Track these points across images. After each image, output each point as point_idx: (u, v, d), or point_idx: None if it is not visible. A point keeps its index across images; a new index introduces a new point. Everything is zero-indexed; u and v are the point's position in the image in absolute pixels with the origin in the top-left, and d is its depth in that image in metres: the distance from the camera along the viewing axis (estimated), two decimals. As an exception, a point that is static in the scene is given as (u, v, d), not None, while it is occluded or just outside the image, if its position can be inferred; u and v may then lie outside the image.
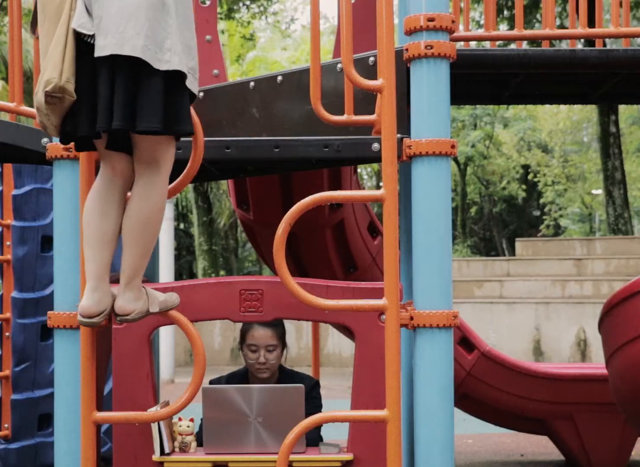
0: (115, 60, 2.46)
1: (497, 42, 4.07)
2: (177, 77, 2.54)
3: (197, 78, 2.65)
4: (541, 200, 29.78)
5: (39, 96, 2.50)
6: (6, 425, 4.84)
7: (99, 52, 2.45)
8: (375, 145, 3.14)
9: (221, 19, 18.46)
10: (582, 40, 11.80)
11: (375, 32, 2.89)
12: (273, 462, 2.88)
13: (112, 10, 2.45)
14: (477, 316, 12.37)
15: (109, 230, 2.65)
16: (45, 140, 3.35)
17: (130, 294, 2.67)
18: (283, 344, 3.73)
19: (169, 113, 2.51)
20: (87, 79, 2.51)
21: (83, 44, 2.50)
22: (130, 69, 2.47)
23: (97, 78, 2.49)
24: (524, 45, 4.18)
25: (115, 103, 2.46)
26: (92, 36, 2.48)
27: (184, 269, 22.60)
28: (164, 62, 2.48)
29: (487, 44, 3.95)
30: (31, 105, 3.64)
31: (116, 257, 2.75)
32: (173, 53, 2.51)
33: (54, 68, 2.46)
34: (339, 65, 3.39)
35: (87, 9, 2.49)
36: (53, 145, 3.17)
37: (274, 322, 3.61)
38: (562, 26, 15.84)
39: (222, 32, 21.77)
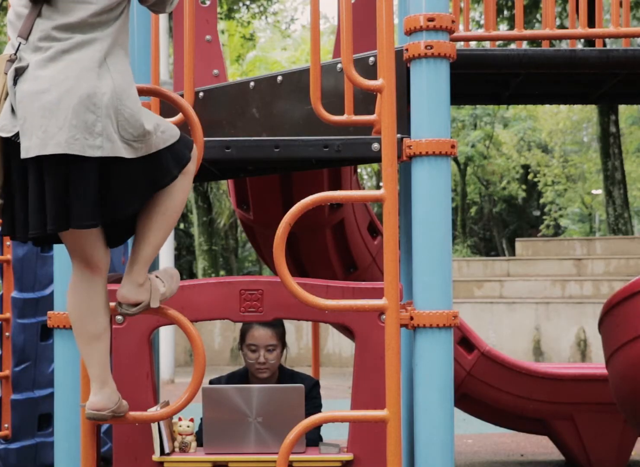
0: (42, 160, 2.43)
1: (497, 42, 4.07)
2: (122, 160, 2.49)
3: (168, 129, 2.61)
4: (541, 200, 29.78)
5: None
6: (6, 425, 4.84)
7: (24, 154, 2.42)
8: (375, 145, 3.14)
9: (221, 19, 18.46)
10: (582, 40, 11.80)
11: (375, 32, 2.89)
12: (273, 462, 2.88)
13: (34, 110, 2.43)
14: (477, 316, 12.37)
15: (99, 328, 2.63)
16: (45, 140, 3.34)
17: (135, 281, 2.65)
18: (283, 344, 3.73)
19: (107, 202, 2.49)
20: (23, 180, 2.49)
21: (12, 144, 2.48)
22: (59, 166, 2.43)
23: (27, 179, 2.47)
24: (524, 45, 4.18)
25: (48, 205, 2.43)
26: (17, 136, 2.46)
27: (184, 269, 22.59)
28: (96, 148, 2.43)
29: (487, 44, 3.95)
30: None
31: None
32: (106, 138, 2.45)
33: None
34: (339, 65, 3.39)
35: (13, 108, 2.48)
36: (53, 145, 3.17)
37: (274, 322, 3.61)
38: (562, 26, 15.84)
39: (222, 32, 21.77)
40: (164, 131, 2.60)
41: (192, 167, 2.69)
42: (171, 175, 2.60)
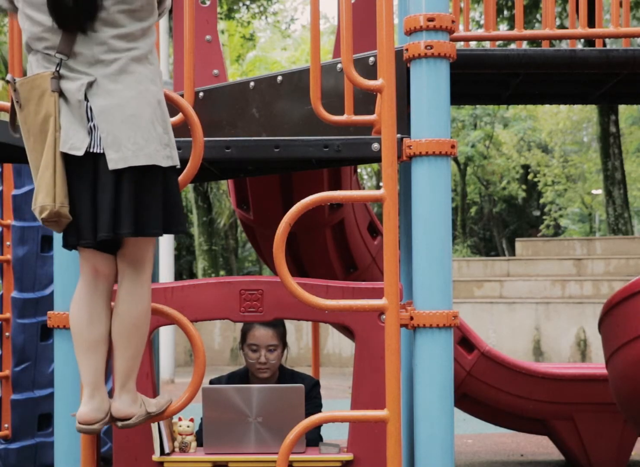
0: (122, 170, 2.50)
1: (497, 42, 4.06)
2: (172, 171, 2.62)
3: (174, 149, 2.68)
4: (541, 200, 29.77)
5: (36, 214, 2.52)
6: (6, 425, 4.84)
7: (113, 165, 2.48)
8: (375, 145, 3.14)
9: (221, 19, 18.45)
10: (582, 40, 11.80)
11: (375, 32, 2.89)
12: (273, 462, 2.88)
13: (118, 123, 2.49)
14: (477, 316, 12.37)
15: (99, 337, 2.64)
16: (45, 140, 3.34)
17: (126, 396, 2.66)
18: (284, 344, 3.73)
19: (166, 213, 2.58)
20: (86, 191, 2.53)
21: (74, 159, 2.50)
22: (136, 175, 2.51)
23: (96, 187, 2.52)
24: (524, 45, 4.18)
25: (123, 211, 2.50)
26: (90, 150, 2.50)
27: (184, 269, 22.59)
28: (166, 158, 2.56)
29: (487, 44, 3.95)
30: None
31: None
32: (172, 148, 2.60)
33: (47, 193, 2.47)
34: (339, 65, 3.39)
35: (81, 121, 2.49)
36: (53, 145, 3.17)
37: (274, 322, 3.61)
38: (562, 26, 15.84)
39: (222, 32, 21.77)
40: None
41: (152, 261, 2.70)
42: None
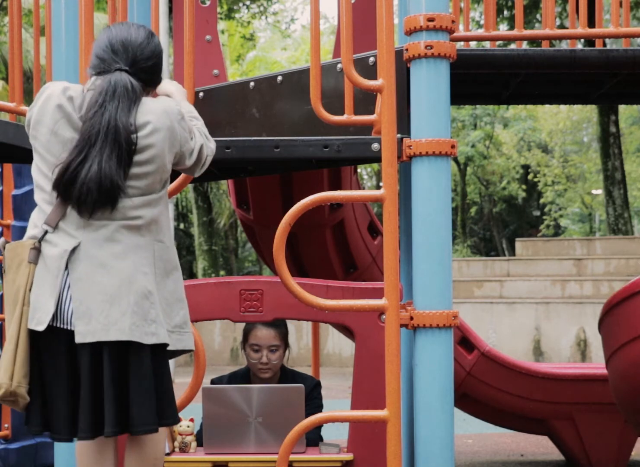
0: (98, 345, 2.37)
1: (497, 42, 4.06)
2: (161, 348, 2.49)
3: (187, 331, 2.59)
4: (541, 200, 29.76)
5: None
6: (6, 425, 4.84)
7: (80, 338, 2.36)
8: (375, 145, 3.14)
9: (221, 19, 18.46)
10: (582, 40, 11.80)
11: (375, 32, 2.89)
12: (273, 462, 2.88)
13: (93, 293, 2.38)
14: (477, 316, 12.37)
15: None
16: (45, 140, 3.34)
17: None
18: (286, 344, 3.73)
19: (157, 403, 2.45)
20: (60, 370, 2.41)
21: (44, 336, 2.39)
22: (115, 351, 2.39)
23: (76, 364, 2.40)
24: (524, 45, 4.18)
25: (106, 401, 2.36)
26: (54, 323, 2.39)
27: (184, 269, 22.45)
28: (150, 335, 2.42)
29: (487, 44, 3.95)
30: (31, 105, 3.65)
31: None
32: (159, 325, 2.44)
33: (6, 370, 2.36)
34: (339, 65, 3.39)
35: (52, 291, 2.38)
36: (53, 145, 3.17)
37: (276, 323, 3.61)
38: (562, 26, 15.84)
39: (222, 32, 21.78)
40: (181, 339, 2.56)
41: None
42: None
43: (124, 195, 2.43)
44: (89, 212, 2.41)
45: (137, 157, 2.45)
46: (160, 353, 2.48)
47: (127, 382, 2.40)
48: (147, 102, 2.52)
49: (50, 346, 2.41)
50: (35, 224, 2.48)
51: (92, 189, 2.38)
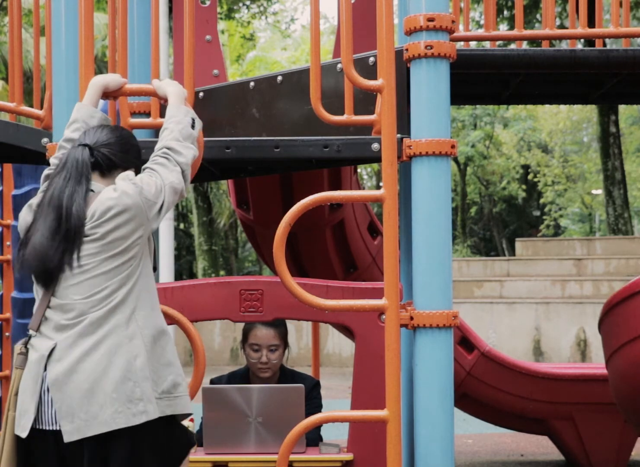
0: (89, 439, 2.39)
1: (497, 42, 4.06)
2: (160, 422, 2.48)
3: (178, 396, 2.56)
4: (541, 200, 29.76)
5: None
6: (6, 425, 4.83)
7: (67, 438, 2.38)
8: (375, 145, 3.14)
9: (221, 19, 18.45)
10: (582, 40, 11.80)
11: (375, 32, 2.89)
12: (273, 462, 2.88)
13: (70, 392, 2.40)
14: (477, 316, 12.36)
15: None
16: (45, 140, 3.35)
17: None
18: (285, 344, 3.73)
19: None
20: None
21: (32, 439, 2.42)
22: (106, 442, 2.40)
23: (69, 463, 2.43)
24: (524, 45, 4.17)
25: None
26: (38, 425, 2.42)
27: (184, 269, 22.59)
28: (139, 414, 2.42)
29: (487, 44, 3.95)
30: (31, 105, 3.65)
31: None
32: (147, 401, 2.43)
33: None
34: (339, 65, 3.39)
35: (33, 396, 2.42)
36: (53, 146, 3.17)
37: (276, 322, 3.61)
38: (562, 26, 15.83)
39: (222, 32, 21.78)
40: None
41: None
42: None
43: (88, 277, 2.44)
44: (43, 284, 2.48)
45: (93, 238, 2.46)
46: (155, 424, 2.47)
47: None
48: (105, 191, 2.50)
49: (39, 449, 2.45)
50: (30, 325, 2.54)
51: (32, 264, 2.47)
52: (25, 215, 2.58)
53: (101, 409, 2.38)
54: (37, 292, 2.53)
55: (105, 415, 2.38)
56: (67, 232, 2.43)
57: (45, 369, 2.43)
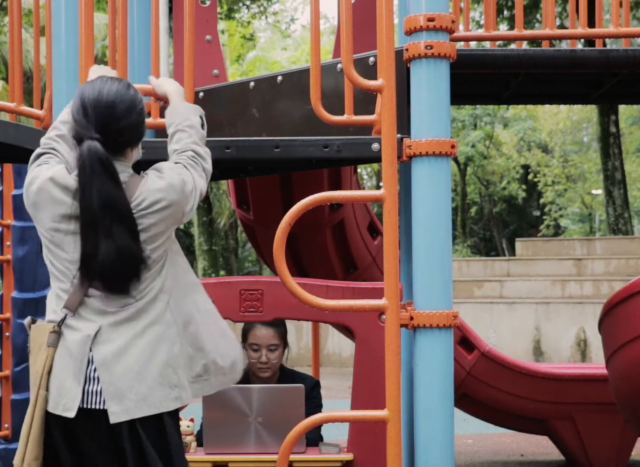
0: (132, 421, 2.41)
1: (497, 42, 4.06)
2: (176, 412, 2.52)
3: (207, 378, 2.59)
4: (541, 200, 29.77)
5: None
6: (6, 425, 4.83)
7: (115, 418, 2.39)
8: (375, 145, 3.14)
9: (221, 19, 18.46)
10: (582, 40, 11.80)
11: (375, 32, 2.89)
12: (273, 462, 2.88)
13: (119, 373, 2.40)
14: (477, 316, 12.36)
15: None
16: (45, 140, 3.34)
17: None
18: (285, 344, 3.74)
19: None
20: (103, 452, 2.45)
21: (65, 421, 2.41)
22: (149, 424, 2.43)
23: (116, 442, 2.43)
24: (524, 45, 4.18)
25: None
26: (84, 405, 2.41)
27: (184, 269, 22.56)
28: (175, 400, 2.47)
29: (487, 44, 3.95)
30: (31, 105, 3.65)
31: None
32: (181, 388, 2.48)
33: (18, 453, 2.41)
34: (339, 65, 3.39)
35: (77, 376, 2.40)
36: (53, 145, 3.17)
37: (276, 322, 3.61)
38: (562, 26, 15.84)
39: (222, 32, 21.80)
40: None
41: None
42: None
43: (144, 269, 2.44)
44: (112, 289, 2.43)
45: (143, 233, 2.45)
46: (174, 414, 2.52)
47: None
48: (151, 178, 2.47)
49: (87, 429, 2.44)
50: (54, 309, 2.48)
51: (114, 267, 2.40)
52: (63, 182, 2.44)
53: (150, 392, 2.41)
54: (65, 274, 2.45)
55: (153, 397, 2.41)
56: (131, 227, 2.41)
57: (90, 350, 2.42)
